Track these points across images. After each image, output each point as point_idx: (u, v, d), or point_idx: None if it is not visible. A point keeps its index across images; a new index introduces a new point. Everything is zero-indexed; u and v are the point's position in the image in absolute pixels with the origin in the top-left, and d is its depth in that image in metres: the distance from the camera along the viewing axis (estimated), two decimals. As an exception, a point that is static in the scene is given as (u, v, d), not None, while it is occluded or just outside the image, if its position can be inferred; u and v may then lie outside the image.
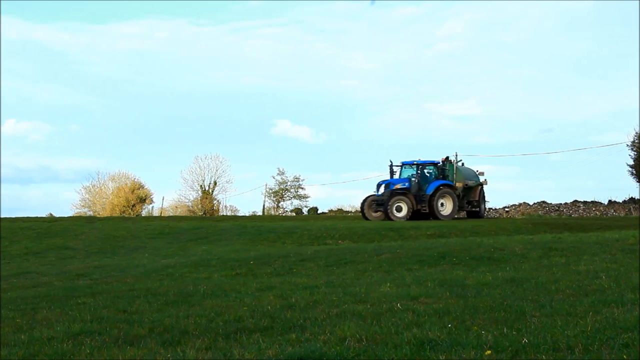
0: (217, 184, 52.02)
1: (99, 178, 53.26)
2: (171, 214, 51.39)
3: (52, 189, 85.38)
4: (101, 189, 52.71)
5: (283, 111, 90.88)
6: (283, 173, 55.27)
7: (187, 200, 52.91)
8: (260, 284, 9.91)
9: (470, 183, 31.03)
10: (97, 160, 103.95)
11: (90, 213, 51.19)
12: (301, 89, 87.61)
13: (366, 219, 29.16)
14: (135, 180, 51.85)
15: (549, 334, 5.28)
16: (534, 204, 38.04)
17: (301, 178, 55.81)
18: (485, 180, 32.36)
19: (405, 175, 30.41)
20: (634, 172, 38.35)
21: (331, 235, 21.46)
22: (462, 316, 6.29)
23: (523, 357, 4.76)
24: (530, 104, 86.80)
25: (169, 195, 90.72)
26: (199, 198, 51.21)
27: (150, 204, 53.09)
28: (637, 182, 38.30)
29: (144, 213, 50.81)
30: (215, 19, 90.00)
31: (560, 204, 37.60)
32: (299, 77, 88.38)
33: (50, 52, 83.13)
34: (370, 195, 30.21)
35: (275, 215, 31.68)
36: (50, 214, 47.98)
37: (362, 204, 30.57)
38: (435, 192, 29.22)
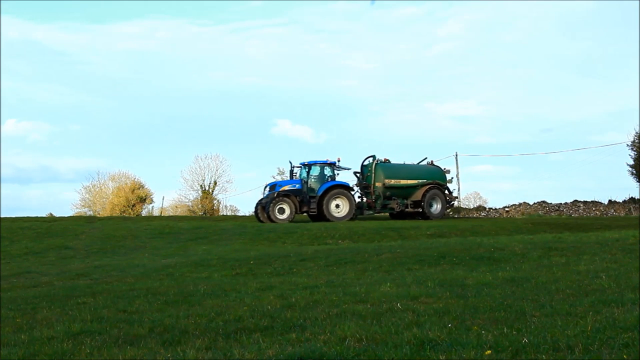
0: (217, 183, 52.02)
1: (99, 178, 53.35)
2: (171, 214, 51.39)
3: (52, 188, 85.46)
4: (101, 189, 52.75)
5: (283, 111, 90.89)
6: (283, 173, 55.23)
7: (187, 200, 52.92)
8: (261, 284, 9.91)
9: (393, 182, 30.07)
10: (97, 160, 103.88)
11: (91, 213, 51.21)
12: (301, 89, 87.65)
13: (260, 221, 28.45)
14: (135, 180, 51.90)
15: (549, 334, 5.28)
16: (534, 204, 38.00)
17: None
18: (452, 179, 31.70)
19: (302, 176, 29.73)
20: (634, 172, 38.33)
21: (331, 235, 21.46)
22: (462, 316, 6.29)
23: (523, 357, 4.76)
24: (530, 104, 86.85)
25: (169, 195, 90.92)
26: (199, 198, 51.20)
27: (150, 203, 53.13)
28: (637, 182, 38.28)
29: (144, 213, 50.82)
30: (215, 19, 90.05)
31: (560, 204, 37.56)
32: (300, 77, 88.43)
33: (50, 52, 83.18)
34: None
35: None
36: (51, 214, 48.01)
37: (256, 206, 30.13)
38: (325, 194, 28.61)
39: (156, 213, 52.01)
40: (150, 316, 7.28)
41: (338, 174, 29.85)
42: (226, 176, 52.50)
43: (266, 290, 9.09)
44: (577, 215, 35.31)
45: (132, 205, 49.75)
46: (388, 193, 30.18)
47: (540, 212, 36.71)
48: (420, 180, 30.67)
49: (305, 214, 29.77)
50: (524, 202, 38.36)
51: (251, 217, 31.24)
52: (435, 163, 32.77)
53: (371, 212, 30.50)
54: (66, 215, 43.38)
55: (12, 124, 79.80)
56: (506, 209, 38.15)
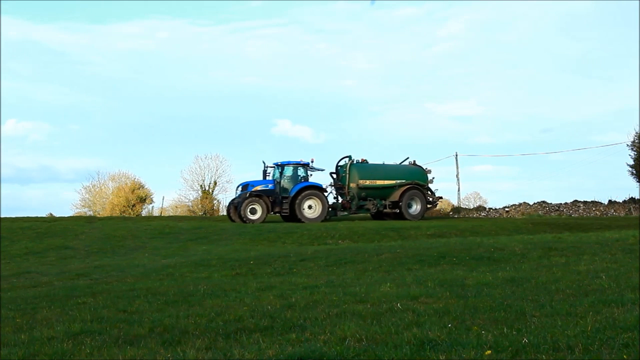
0: (217, 183, 51.92)
1: (99, 178, 53.25)
2: (171, 214, 51.35)
3: (52, 188, 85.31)
4: (101, 189, 52.70)
5: (283, 111, 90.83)
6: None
7: (187, 200, 52.84)
8: (260, 284, 9.91)
9: (368, 183, 29.79)
10: (97, 160, 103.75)
11: (90, 213, 51.17)
12: (301, 89, 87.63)
13: (232, 221, 28.33)
14: (135, 180, 51.80)
15: (549, 334, 5.28)
16: (534, 204, 38.00)
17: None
18: (433, 179, 31.34)
19: (275, 176, 29.57)
20: (634, 172, 38.33)
21: (331, 235, 21.46)
22: (462, 316, 6.29)
23: (523, 357, 4.76)
24: (530, 104, 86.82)
25: (169, 195, 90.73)
26: (199, 198, 51.16)
27: (150, 203, 53.04)
28: (637, 182, 38.28)
29: (144, 213, 50.76)
30: (215, 19, 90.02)
31: (560, 204, 37.56)
32: (300, 77, 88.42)
33: (50, 52, 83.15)
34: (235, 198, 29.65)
35: (275, 215, 31.76)
36: (51, 214, 47.95)
37: (228, 206, 29.95)
38: (298, 194, 28.42)
39: (156, 213, 51.98)
40: (150, 316, 7.28)
41: (311, 175, 29.74)
42: (226, 176, 52.44)
43: (266, 290, 9.09)
44: (577, 215, 35.31)
45: (132, 205, 49.70)
46: (363, 194, 29.92)
47: (540, 212, 36.70)
48: (398, 181, 30.34)
49: (277, 214, 29.61)
50: (524, 202, 38.36)
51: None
52: (417, 163, 32.24)
53: (346, 213, 30.18)
54: (66, 215, 43.39)
55: (12, 124, 79.74)
56: (506, 209, 38.15)
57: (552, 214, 36.34)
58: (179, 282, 10.96)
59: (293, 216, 28.45)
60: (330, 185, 30.74)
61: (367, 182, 29.90)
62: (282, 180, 29.08)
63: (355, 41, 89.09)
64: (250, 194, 28.40)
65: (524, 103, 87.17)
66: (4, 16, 79.86)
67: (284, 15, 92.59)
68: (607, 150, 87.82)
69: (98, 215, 45.93)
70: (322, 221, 28.01)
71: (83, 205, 53.13)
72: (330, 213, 29.58)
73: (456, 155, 46.62)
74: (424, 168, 31.94)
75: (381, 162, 31.65)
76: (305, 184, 28.95)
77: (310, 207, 28.59)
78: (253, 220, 27.64)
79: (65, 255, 19.28)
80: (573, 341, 5.00)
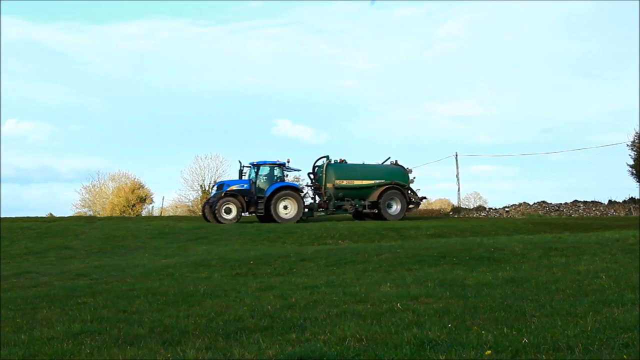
0: (217, 184, 51.96)
1: (99, 178, 53.32)
2: (171, 214, 51.39)
3: (52, 188, 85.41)
4: (101, 189, 52.73)
5: (284, 111, 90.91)
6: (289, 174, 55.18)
7: (187, 200, 52.92)
8: (261, 284, 9.91)
9: (345, 183, 29.63)
10: (97, 160, 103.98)
11: (90, 213, 51.19)
12: (301, 89, 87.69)
13: (208, 221, 28.17)
14: (135, 180, 51.89)
15: (549, 334, 5.28)
16: (534, 204, 37.99)
17: (301, 178, 55.80)
18: (414, 179, 31.15)
19: (250, 176, 29.45)
20: (634, 172, 38.33)
21: (331, 235, 21.46)
22: (462, 316, 6.29)
23: (523, 357, 4.76)
24: (530, 104, 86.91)
25: (169, 195, 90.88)
26: (199, 198, 51.18)
27: (150, 203, 53.11)
28: (637, 182, 38.29)
29: (144, 213, 50.81)
30: (216, 19, 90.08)
31: (560, 204, 37.55)
32: (300, 77, 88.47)
33: (50, 52, 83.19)
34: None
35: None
36: (51, 214, 47.96)
37: (203, 206, 29.79)
38: (274, 194, 28.28)
39: (156, 213, 51.99)
40: (150, 316, 7.27)
41: (287, 175, 29.65)
42: (226, 176, 52.46)
43: (266, 290, 9.08)
44: (577, 215, 35.30)
45: (132, 205, 49.74)
46: (340, 194, 29.76)
47: (540, 212, 36.70)
48: (377, 181, 30.14)
49: (252, 214, 29.53)
50: (524, 202, 38.36)
51: (251, 217, 31.18)
52: (399, 163, 31.94)
53: (323, 213, 30.05)
54: (66, 215, 43.40)
55: (12, 124, 79.86)
56: (506, 209, 38.14)
57: (552, 214, 36.34)
58: (179, 282, 10.95)
59: (268, 216, 28.31)
60: (307, 185, 30.65)
61: (344, 182, 29.75)
62: (257, 180, 28.97)
63: (355, 41, 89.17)
64: (225, 194, 28.32)
65: (524, 103, 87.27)
66: (4, 16, 79.89)
67: (284, 16, 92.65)
68: (607, 150, 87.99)
69: (98, 215, 45.95)
70: (298, 222, 27.83)
71: (83, 205, 53.20)
72: (307, 214, 29.43)
73: (456, 155, 46.67)
74: (405, 168, 31.68)
75: (361, 162, 31.45)
76: (281, 184, 28.83)
77: (285, 207, 28.48)
78: (228, 220, 27.53)
79: (65, 255, 19.27)
80: (573, 341, 5.00)
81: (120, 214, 47.29)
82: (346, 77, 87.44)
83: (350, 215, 30.90)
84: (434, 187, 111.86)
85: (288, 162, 29.63)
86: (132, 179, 51.97)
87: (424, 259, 12.16)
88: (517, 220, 29.39)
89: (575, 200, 37.49)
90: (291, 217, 28.30)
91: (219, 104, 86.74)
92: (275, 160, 29.57)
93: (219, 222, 27.40)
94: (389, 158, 32.02)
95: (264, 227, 24.54)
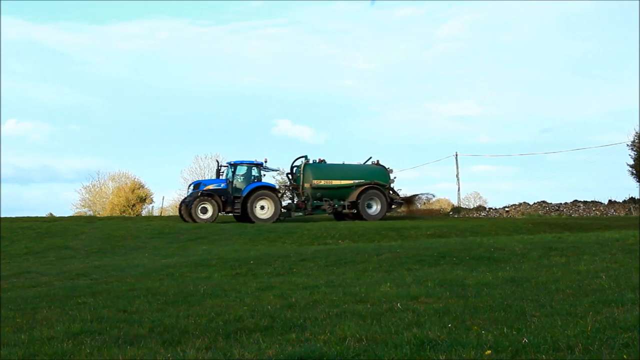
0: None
1: (99, 178, 53.31)
2: (171, 214, 51.33)
3: (52, 188, 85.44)
4: (101, 189, 52.73)
5: (284, 111, 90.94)
6: (283, 173, 55.26)
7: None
8: (260, 284, 9.91)
9: (324, 183, 29.44)
10: (97, 160, 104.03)
11: (90, 213, 51.18)
12: (301, 89, 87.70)
13: (185, 221, 28.06)
14: (135, 180, 51.87)
15: (549, 334, 5.28)
16: (534, 204, 38.00)
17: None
18: (394, 178, 31.06)
19: (227, 176, 29.29)
20: (634, 172, 38.35)
21: (331, 235, 21.45)
22: (462, 316, 6.29)
23: (523, 357, 4.76)
24: (530, 104, 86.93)
25: (169, 195, 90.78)
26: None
27: (150, 203, 53.08)
28: (637, 182, 38.31)
29: (144, 213, 50.78)
30: (216, 19, 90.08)
31: (560, 204, 37.56)
32: (300, 77, 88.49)
33: (50, 52, 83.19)
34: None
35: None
36: (51, 214, 47.96)
37: (180, 205, 29.61)
38: (250, 194, 28.15)
39: (156, 213, 51.96)
40: (150, 316, 7.27)
41: (264, 175, 29.61)
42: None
43: (266, 290, 9.08)
44: (577, 215, 35.30)
45: (132, 205, 49.71)
46: (318, 194, 29.59)
47: (540, 212, 36.70)
48: (356, 181, 29.96)
49: (229, 214, 29.43)
50: (524, 202, 38.36)
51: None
52: (381, 163, 31.71)
53: (301, 213, 29.85)
54: (66, 215, 43.38)
55: (12, 124, 79.86)
56: (506, 209, 38.15)
57: (552, 214, 36.34)
58: (179, 282, 10.95)
59: (245, 216, 28.21)
60: (285, 185, 30.51)
61: (322, 182, 29.59)
62: (234, 180, 28.84)
63: (355, 41, 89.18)
64: (201, 193, 28.21)
65: (524, 103, 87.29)
66: (4, 16, 79.89)
67: (284, 16, 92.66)
68: (607, 150, 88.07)
69: (98, 215, 45.95)
70: (274, 222, 27.69)
71: (83, 205, 53.19)
72: (285, 214, 29.33)
73: (456, 155, 46.70)
74: (387, 168, 31.47)
75: (341, 162, 31.31)
76: (258, 184, 28.72)
77: (262, 207, 28.34)
78: (203, 220, 27.43)
79: (65, 255, 19.27)
80: (573, 341, 5.00)
81: (120, 214, 47.28)
82: (346, 77, 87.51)
83: (329, 215, 30.76)
84: (434, 187, 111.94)
85: (265, 161, 29.59)
86: (132, 178, 52.00)
87: (424, 259, 12.16)
88: (517, 220, 29.39)
89: (575, 200, 37.49)
90: (268, 217, 28.14)
91: (219, 104, 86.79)
92: (253, 160, 29.48)
93: (195, 221, 27.29)
94: (370, 158, 31.87)
95: (264, 227, 24.54)
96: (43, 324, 7.16)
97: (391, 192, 31.13)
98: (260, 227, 24.59)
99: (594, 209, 36.51)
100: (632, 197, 37.18)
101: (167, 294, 9.11)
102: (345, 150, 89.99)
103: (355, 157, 36.27)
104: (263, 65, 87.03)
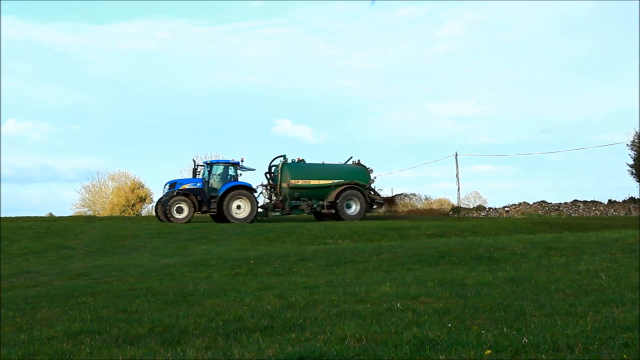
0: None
1: (99, 177, 53.24)
2: (197, 214, 51.29)
3: (52, 188, 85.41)
4: (101, 189, 52.69)
5: (284, 111, 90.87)
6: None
7: (187, 200, 52.79)
8: (260, 284, 9.91)
9: (301, 183, 29.36)
10: (97, 160, 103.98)
11: (90, 212, 51.16)
12: (301, 89, 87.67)
13: (161, 220, 27.96)
14: (135, 179, 51.83)
15: (548, 334, 5.28)
16: (534, 203, 38.03)
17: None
18: (375, 178, 30.97)
19: (204, 175, 29.21)
20: (634, 171, 38.38)
21: (331, 235, 21.45)
22: (462, 316, 6.29)
23: (523, 357, 4.76)
24: (530, 104, 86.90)
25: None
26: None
27: (150, 203, 52.99)
28: (637, 181, 38.34)
29: (144, 212, 50.75)
30: (216, 19, 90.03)
31: (560, 203, 37.59)
32: (300, 77, 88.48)
33: (51, 52, 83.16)
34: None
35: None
36: (50, 214, 47.96)
37: (156, 205, 29.50)
38: (226, 194, 28.05)
39: (156, 213, 51.92)
40: (150, 316, 7.27)
41: (241, 175, 29.52)
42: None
43: (266, 290, 9.08)
44: (577, 215, 35.32)
45: (132, 205, 49.70)
46: (296, 194, 29.53)
47: (540, 212, 36.72)
48: (335, 181, 29.88)
49: (205, 213, 29.35)
50: (524, 202, 38.39)
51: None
52: (362, 163, 31.62)
53: (279, 213, 29.81)
54: (66, 215, 43.37)
55: (12, 124, 79.81)
56: (506, 209, 38.17)
57: (552, 213, 36.36)
58: (179, 281, 10.95)
59: (221, 216, 28.15)
60: (262, 185, 30.45)
61: (300, 182, 29.53)
62: (210, 179, 28.78)
63: (355, 41, 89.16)
64: (177, 193, 28.11)
65: (524, 103, 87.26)
66: (4, 16, 79.88)
67: (284, 15, 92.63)
68: (607, 150, 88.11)
69: (98, 215, 45.92)
70: (251, 222, 27.63)
71: (83, 205, 53.15)
72: (262, 214, 29.29)
73: (456, 155, 46.76)
74: (367, 168, 31.35)
75: (320, 162, 31.23)
76: (234, 183, 28.66)
77: (239, 207, 28.30)
78: (179, 220, 27.31)
79: (65, 255, 19.26)
80: (573, 341, 5.00)
81: (120, 213, 47.28)
82: (346, 77, 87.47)
83: (307, 215, 30.68)
84: (434, 187, 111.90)
85: (242, 161, 29.57)
86: (132, 178, 51.96)
87: (424, 259, 12.16)
88: (517, 220, 29.40)
89: (575, 200, 37.51)
90: (244, 216, 28.11)
91: (219, 104, 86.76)
92: (229, 159, 29.45)
93: (170, 221, 27.21)
94: (351, 157, 31.75)
95: (264, 226, 24.53)
96: (43, 323, 7.16)
97: (371, 192, 31.04)
98: (260, 227, 24.60)
99: (593, 208, 36.53)
100: (632, 197, 37.21)
101: (167, 294, 9.11)
102: (346, 150, 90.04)
103: (355, 157, 36.16)
104: (263, 65, 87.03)
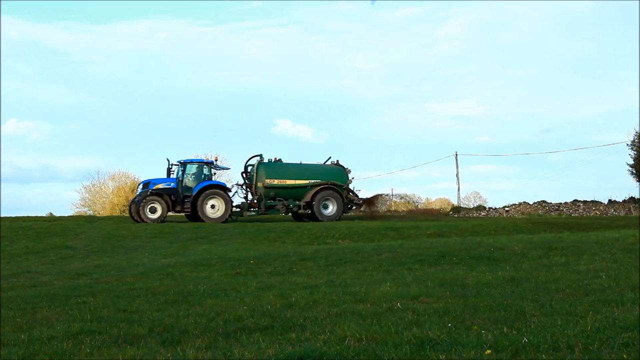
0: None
1: (99, 177, 53.34)
2: (171, 214, 51.31)
3: (53, 188, 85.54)
4: (101, 188, 52.76)
5: (284, 111, 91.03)
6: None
7: (187, 200, 52.79)
8: (260, 284, 9.91)
9: (277, 183, 29.20)
10: (97, 160, 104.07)
11: (91, 212, 51.20)
12: (302, 89, 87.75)
13: (135, 221, 27.78)
14: (136, 179, 51.79)
15: (549, 334, 5.28)
16: (534, 203, 38.04)
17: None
18: (352, 179, 30.88)
19: (177, 175, 29.07)
20: (634, 171, 38.39)
21: (331, 235, 21.45)
22: (462, 315, 6.28)
23: (523, 357, 4.76)
24: (530, 104, 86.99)
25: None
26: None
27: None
28: (637, 181, 38.34)
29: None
30: (216, 19, 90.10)
31: (560, 203, 37.59)
32: (300, 76, 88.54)
33: (51, 52, 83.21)
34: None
35: (275, 215, 31.68)
36: (51, 214, 47.99)
37: (130, 205, 29.42)
38: (200, 193, 27.90)
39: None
40: (150, 316, 7.27)
41: (215, 174, 29.41)
42: (226, 176, 52.45)
43: (266, 290, 9.08)
44: (577, 215, 35.32)
45: (132, 205, 49.65)
46: (272, 193, 29.38)
47: (540, 211, 36.72)
48: (311, 181, 29.72)
49: (179, 213, 29.26)
50: (524, 202, 38.40)
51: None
52: (340, 163, 31.48)
53: (254, 213, 29.69)
54: (66, 215, 43.36)
55: (12, 123, 79.92)
56: (506, 209, 38.17)
57: (552, 213, 36.36)
58: (179, 281, 10.95)
59: (195, 215, 28.05)
60: (237, 184, 30.36)
61: (276, 182, 29.39)
62: (184, 179, 28.64)
63: (355, 41, 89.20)
64: (150, 192, 28.01)
65: (524, 103, 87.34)
66: (4, 16, 79.88)
67: (284, 15, 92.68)
68: (607, 150, 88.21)
69: (98, 215, 45.94)
70: (224, 222, 27.52)
71: (83, 205, 53.23)
72: (237, 213, 29.18)
73: (456, 155, 46.83)
74: (345, 168, 31.22)
75: (298, 162, 31.11)
76: (208, 182, 28.54)
77: (213, 206, 28.17)
78: (152, 220, 27.21)
79: (65, 254, 19.27)
80: (573, 341, 5.00)
81: (120, 213, 47.27)
82: (346, 77, 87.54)
83: (283, 215, 30.58)
84: (434, 187, 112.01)
85: (216, 160, 29.51)
86: (132, 178, 51.99)
87: (424, 259, 12.16)
88: (517, 219, 29.40)
89: (575, 200, 37.52)
90: (218, 216, 28.00)
91: (220, 104, 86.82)
92: (203, 158, 29.36)
93: (143, 221, 27.10)
94: (330, 158, 31.66)
95: (264, 226, 24.54)
96: (43, 323, 7.16)
97: (350, 193, 30.93)
98: (260, 226, 24.60)
99: (593, 208, 36.53)
100: (632, 197, 37.22)
101: (167, 294, 9.11)
102: (345, 150, 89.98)
103: (355, 157, 36.12)
104: (263, 65, 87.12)
